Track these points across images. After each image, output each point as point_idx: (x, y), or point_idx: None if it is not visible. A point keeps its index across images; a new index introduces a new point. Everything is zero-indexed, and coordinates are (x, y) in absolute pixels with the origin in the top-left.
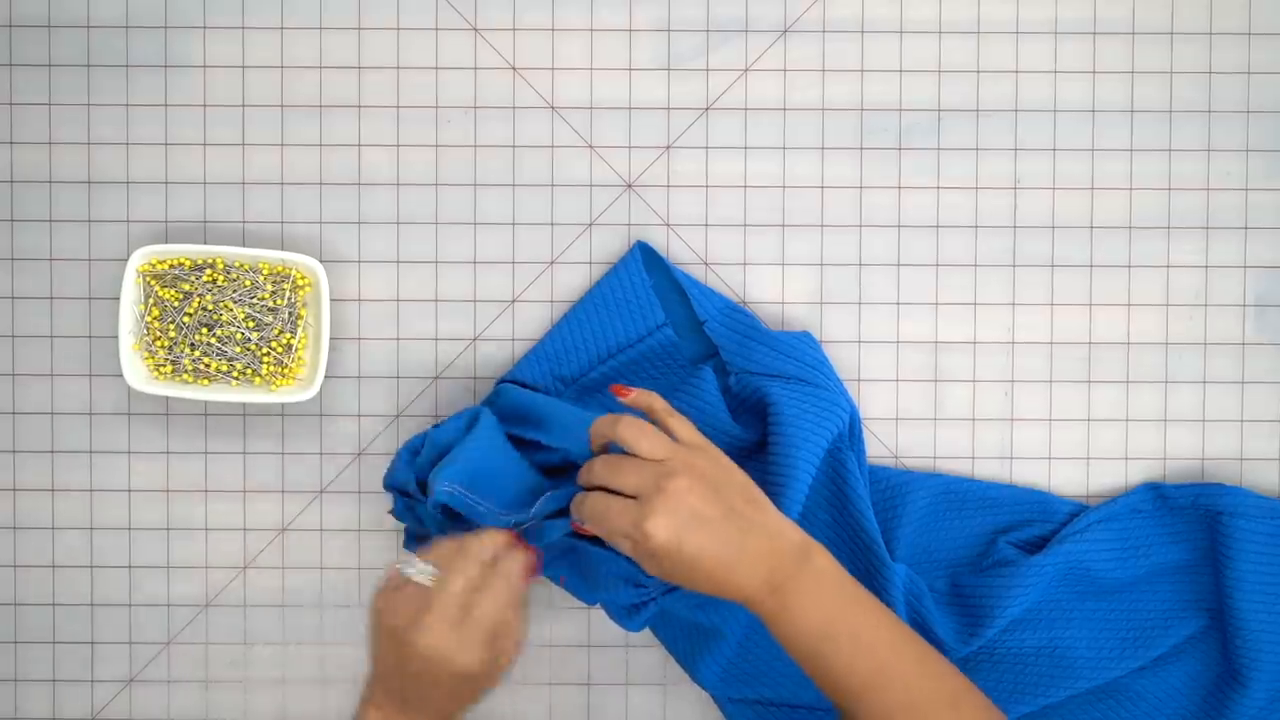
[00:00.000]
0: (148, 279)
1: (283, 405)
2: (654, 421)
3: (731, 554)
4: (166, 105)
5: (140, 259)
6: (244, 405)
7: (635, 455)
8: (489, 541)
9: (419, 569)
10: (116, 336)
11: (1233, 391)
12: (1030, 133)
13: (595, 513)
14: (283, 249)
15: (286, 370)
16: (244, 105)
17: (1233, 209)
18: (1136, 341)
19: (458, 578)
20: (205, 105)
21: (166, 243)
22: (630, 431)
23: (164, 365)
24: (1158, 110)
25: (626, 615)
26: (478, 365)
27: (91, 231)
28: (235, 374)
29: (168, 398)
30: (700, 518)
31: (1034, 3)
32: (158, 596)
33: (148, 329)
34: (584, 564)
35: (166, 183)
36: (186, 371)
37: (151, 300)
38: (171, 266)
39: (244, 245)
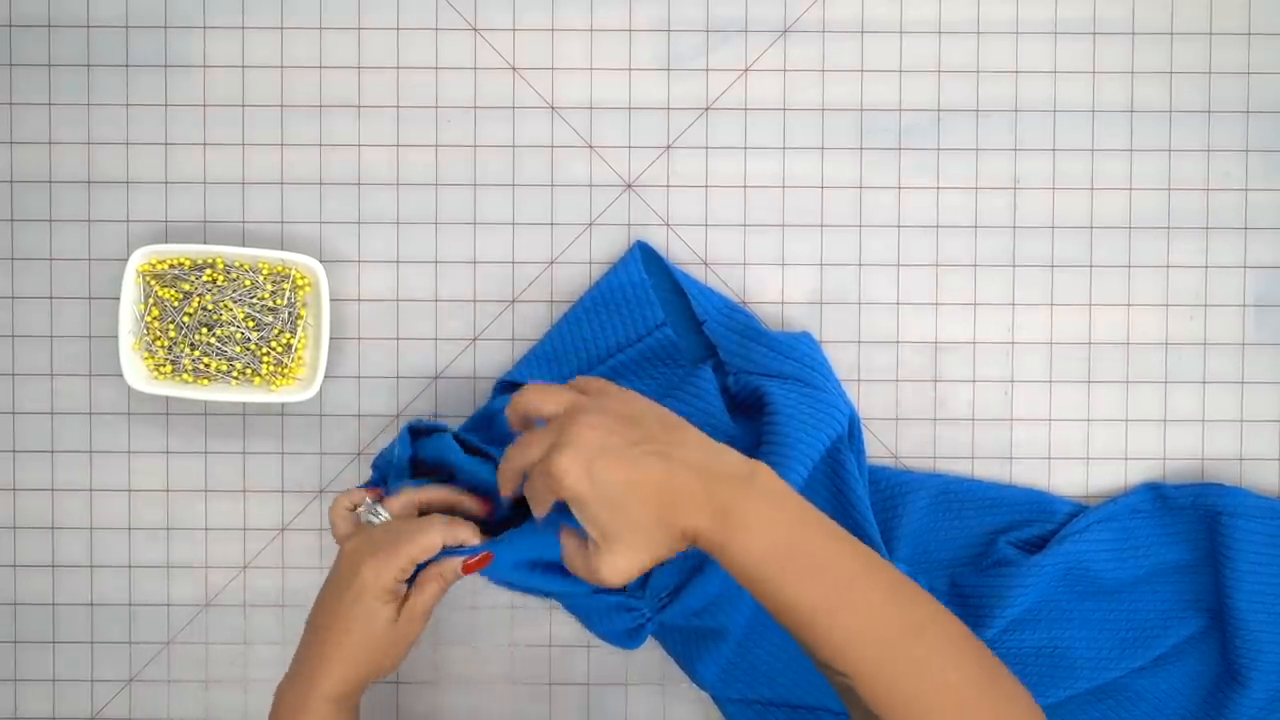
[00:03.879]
0: (147, 279)
1: (282, 405)
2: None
3: (655, 480)
4: (166, 105)
5: (140, 259)
6: (244, 405)
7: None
8: (447, 535)
9: (380, 516)
10: (116, 336)
11: (1232, 391)
12: (1030, 133)
13: (505, 478)
14: (283, 249)
15: (286, 370)
16: (244, 105)
17: (1233, 209)
18: (1136, 341)
19: (412, 547)
20: (205, 105)
21: (166, 243)
22: (531, 396)
23: (164, 365)
24: (1158, 110)
25: (626, 638)
26: (478, 365)
27: (91, 231)
28: (235, 374)
29: (167, 398)
30: (608, 449)
31: (1034, 3)
32: (158, 596)
33: (148, 329)
34: (575, 605)
35: (166, 183)
36: (186, 371)
37: (151, 300)
38: (171, 266)
39: (244, 245)
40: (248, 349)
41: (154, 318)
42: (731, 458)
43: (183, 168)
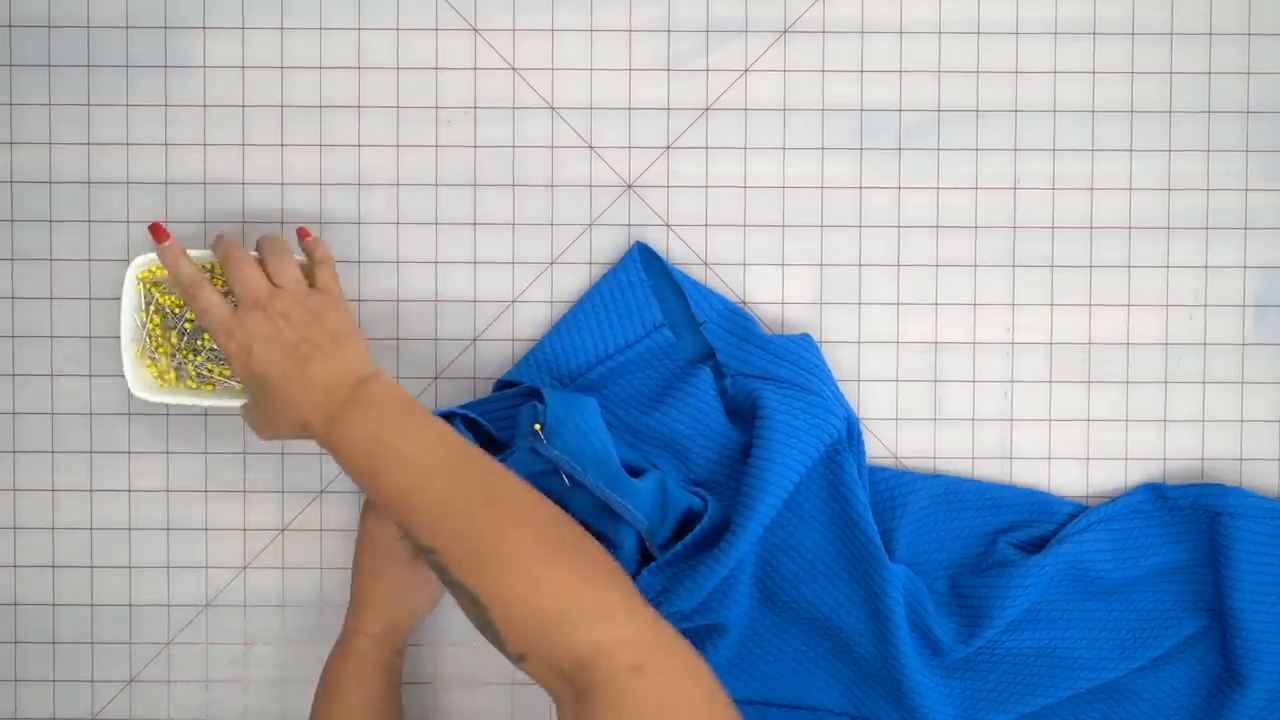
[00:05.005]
0: (148, 286)
1: None
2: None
3: (295, 378)
4: (166, 105)
5: (139, 266)
6: None
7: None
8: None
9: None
10: (116, 337)
11: (1233, 391)
12: (1030, 133)
13: (201, 298)
14: None
15: None
16: (244, 105)
17: (1233, 209)
18: (1136, 342)
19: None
20: (205, 105)
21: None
22: (271, 250)
23: (167, 372)
24: (1157, 110)
25: None
26: (478, 365)
27: (91, 231)
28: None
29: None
30: (275, 338)
31: (1034, 3)
32: (158, 596)
33: (150, 336)
34: None
35: (166, 183)
36: (190, 378)
37: (153, 308)
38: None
39: (244, 245)
40: None
41: (155, 325)
42: (357, 367)
43: (183, 168)
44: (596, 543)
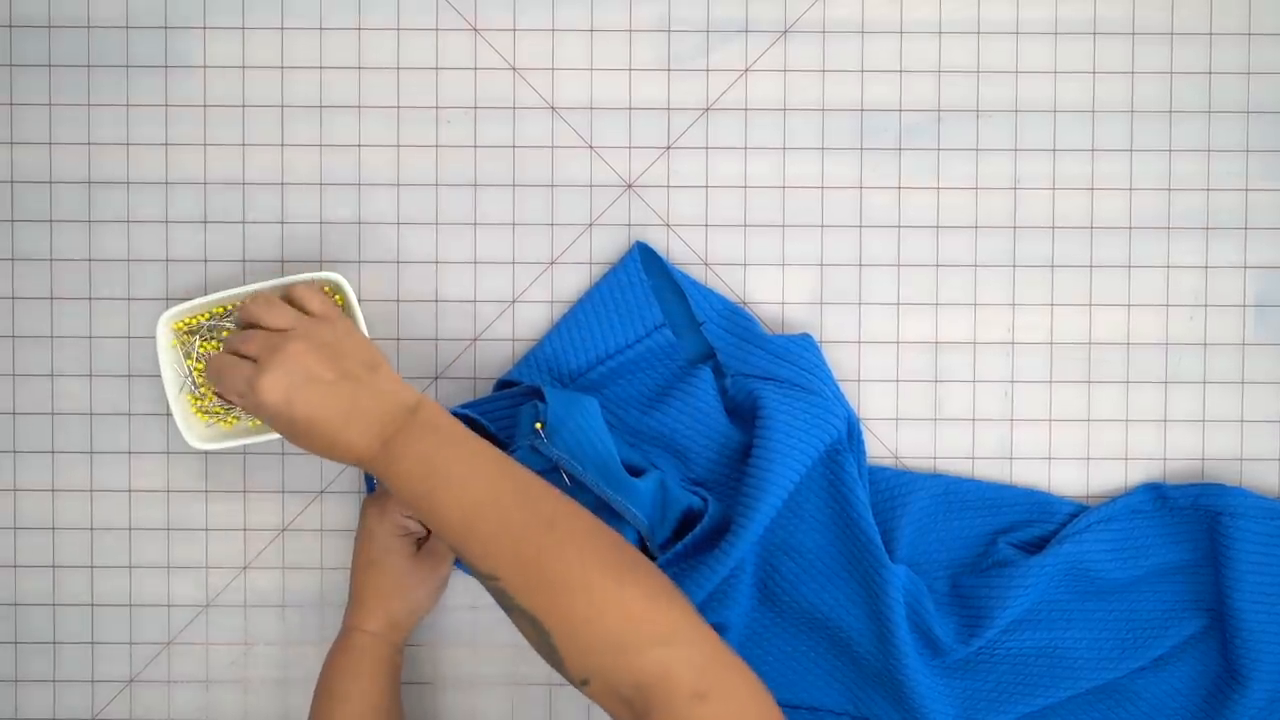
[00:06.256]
0: (183, 336)
1: None
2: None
3: (343, 412)
4: (166, 105)
5: (172, 319)
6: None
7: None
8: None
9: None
10: (117, 337)
11: (1233, 391)
12: (1030, 133)
13: (213, 370)
14: (282, 249)
15: None
16: (244, 105)
17: (1233, 209)
18: (1136, 342)
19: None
20: (205, 105)
21: (165, 245)
22: (258, 307)
23: (217, 409)
24: (1158, 110)
25: None
26: (478, 365)
27: (92, 232)
28: None
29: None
30: (313, 378)
31: (1034, 3)
32: (158, 596)
33: (195, 385)
34: None
35: (166, 183)
36: (242, 410)
37: (194, 356)
38: (206, 319)
39: (243, 244)
40: None
41: (199, 372)
42: (405, 395)
43: (183, 168)
44: (654, 564)
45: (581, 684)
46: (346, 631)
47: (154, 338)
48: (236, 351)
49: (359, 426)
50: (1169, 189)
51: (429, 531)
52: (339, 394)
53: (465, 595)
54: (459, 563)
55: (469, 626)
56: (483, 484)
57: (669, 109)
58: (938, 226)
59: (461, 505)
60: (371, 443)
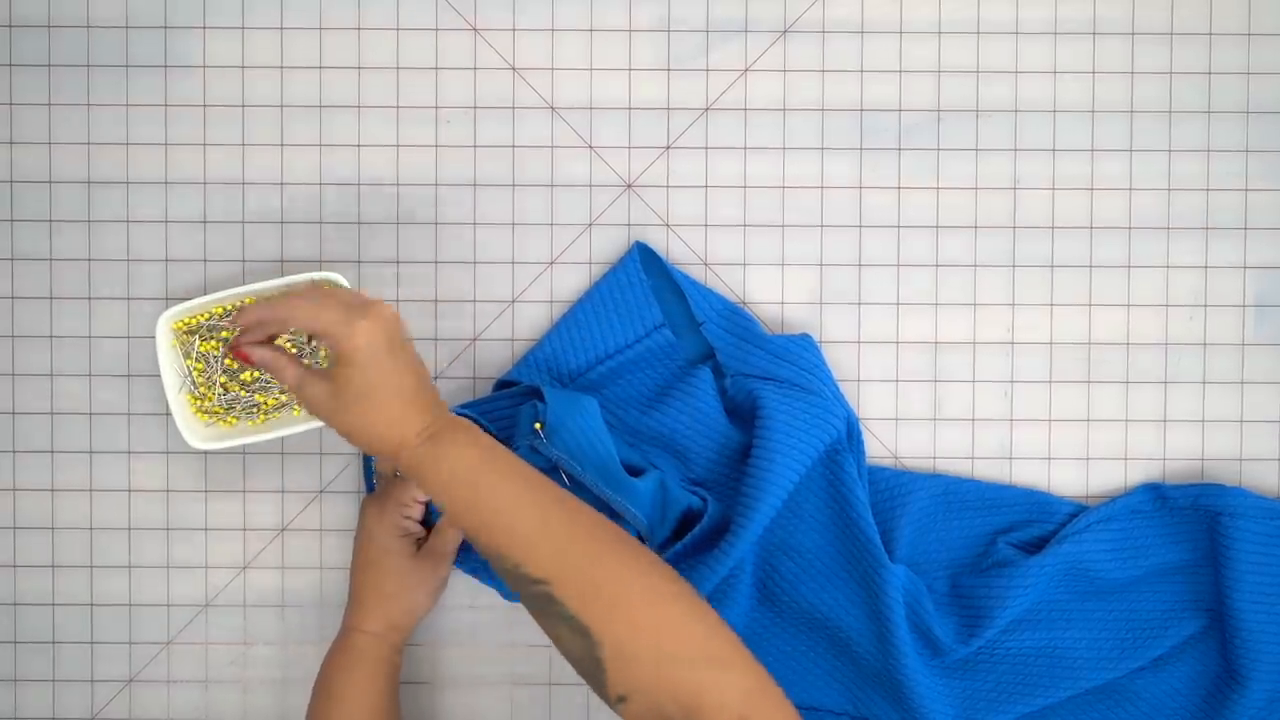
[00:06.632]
0: (182, 336)
1: None
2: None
3: (411, 388)
4: (166, 105)
5: (171, 318)
6: (320, 431)
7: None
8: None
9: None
10: (117, 337)
11: (1233, 391)
12: (1030, 133)
13: (307, 299)
14: (282, 249)
15: None
16: (244, 105)
17: (1233, 209)
18: (1136, 342)
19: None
20: (205, 105)
21: (165, 245)
22: (320, 298)
23: (217, 408)
24: (1157, 110)
25: None
26: (478, 365)
27: (91, 232)
28: (297, 402)
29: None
30: (399, 343)
31: (1034, 3)
32: (158, 596)
33: (194, 385)
34: None
35: (166, 183)
36: (244, 410)
37: (194, 356)
38: (205, 320)
39: (243, 244)
40: None
41: (199, 372)
42: (443, 403)
43: (183, 168)
44: (679, 576)
45: (618, 701)
46: (345, 632)
47: (154, 338)
48: (316, 315)
49: (418, 407)
50: (1169, 189)
51: (428, 532)
52: (414, 367)
53: (465, 595)
54: (459, 563)
55: (469, 626)
56: (528, 491)
57: (669, 109)
58: (937, 226)
59: (508, 509)
60: (421, 431)
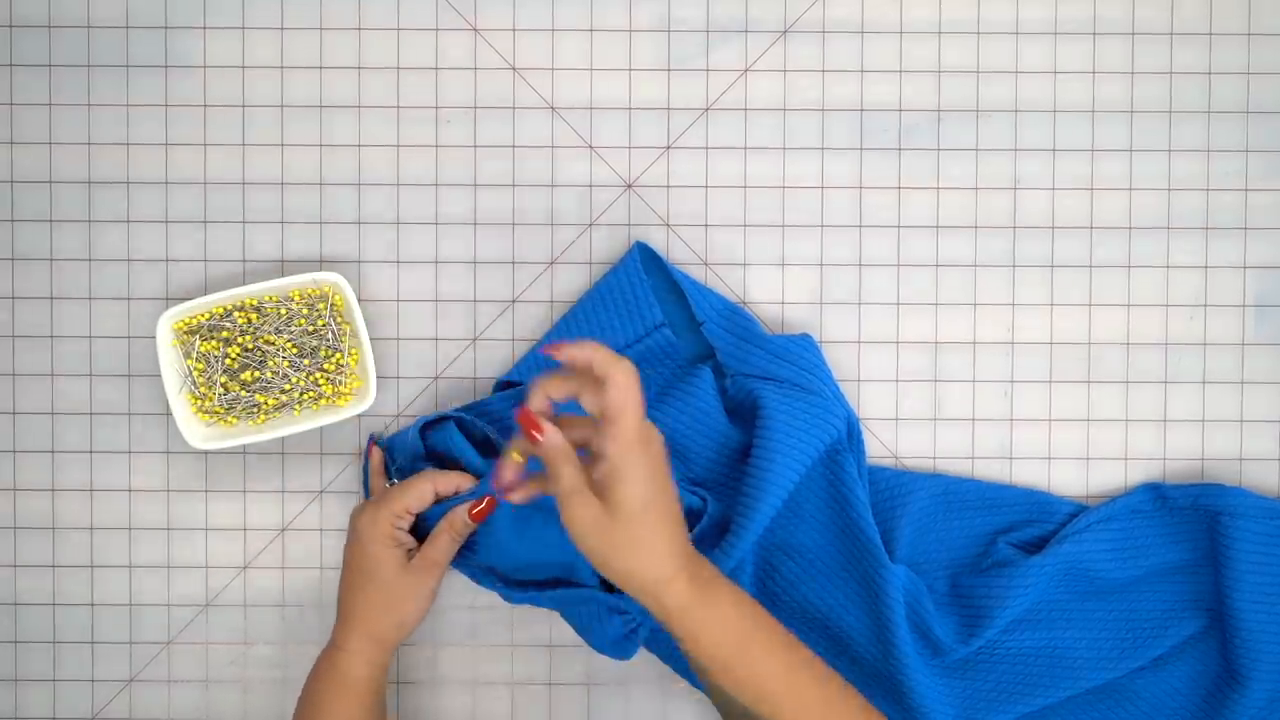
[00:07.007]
0: (182, 335)
1: (358, 417)
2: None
3: (675, 534)
4: (166, 105)
5: (172, 318)
6: (320, 430)
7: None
8: (438, 481)
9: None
10: (117, 337)
11: (1232, 391)
12: (1030, 133)
13: (629, 374)
14: (282, 249)
15: (344, 385)
16: (244, 105)
17: (1233, 209)
18: (1136, 342)
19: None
20: (205, 105)
21: (165, 245)
22: (628, 380)
23: (217, 408)
24: (1158, 110)
25: (618, 647)
26: (478, 365)
27: (91, 232)
28: (297, 402)
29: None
30: (662, 485)
31: (1034, 3)
32: (158, 596)
33: (195, 385)
34: (568, 611)
35: (166, 183)
36: (244, 410)
37: (194, 356)
38: (205, 319)
39: (243, 244)
40: (301, 374)
41: (199, 372)
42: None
43: (183, 168)
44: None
45: None
46: (331, 649)
47: (154, 338)
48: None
49: (678, 548)
50: (1169, 189)
51: (419, 543)
52: (674, 513)
53: (465, 595)
54: (458, 564)
55: (469, 626)
56: (787, 667)
57: (669, 109)
58: (937, 226)
59: (769, 675)
60: (680, 573)
